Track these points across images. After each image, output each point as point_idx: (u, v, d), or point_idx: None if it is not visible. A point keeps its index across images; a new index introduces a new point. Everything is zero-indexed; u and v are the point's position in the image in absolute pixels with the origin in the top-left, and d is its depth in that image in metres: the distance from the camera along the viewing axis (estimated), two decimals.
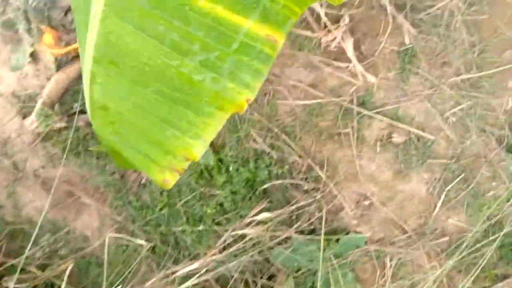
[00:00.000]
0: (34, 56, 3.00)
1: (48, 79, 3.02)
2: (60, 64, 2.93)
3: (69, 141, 2.99)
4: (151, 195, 3.14)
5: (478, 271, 2.60)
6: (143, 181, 3.20)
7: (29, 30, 2.94)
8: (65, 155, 3.01)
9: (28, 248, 2.32)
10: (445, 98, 2.45)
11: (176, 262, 3.20)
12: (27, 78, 3.06)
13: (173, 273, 2.41)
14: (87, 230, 3.31)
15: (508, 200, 2.53)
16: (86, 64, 0.86)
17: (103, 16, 0.76)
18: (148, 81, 0.83)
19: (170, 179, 0.97)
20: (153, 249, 3.26)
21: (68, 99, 3.03)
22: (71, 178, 3.21)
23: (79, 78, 2.98)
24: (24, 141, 3.15)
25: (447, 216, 2.65)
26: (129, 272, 3.10)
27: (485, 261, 2.58)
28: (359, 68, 2.48)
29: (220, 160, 2.86)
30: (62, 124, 3.01)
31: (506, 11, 2.26)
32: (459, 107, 2.43)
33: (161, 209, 3.11)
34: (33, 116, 2.95)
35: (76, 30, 0.98)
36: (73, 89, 3.01)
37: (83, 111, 3.05)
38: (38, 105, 2.91)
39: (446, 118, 2.47)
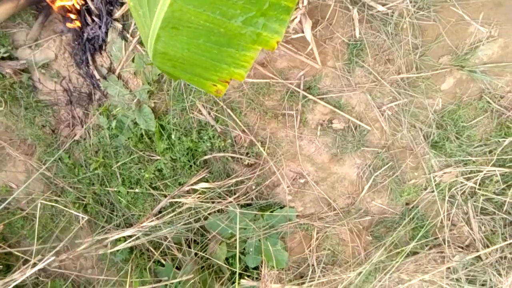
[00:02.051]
0: None
1: None
2: None
3: None
4: (85, 153, 3.77)
5: (392, 247, 3.73)
6: (77, 137, 3.79)
7: None
8: None
9: None
10: (384, 93, 3.26)
11: (109, 221, 3.99)
12: None
13: (105, 239, 3.13)
14: (12, 182, 3.91)
15: (425, 189, 3.56)
16: (153, 29, 1.41)
17: (171, 2, 1.31)
18: (201, 36, 1.40)
19: (221, 89, 1.60)
20: (85, 207, 3.98)
21: None
22: None
23: (7, 20, 3.33)
24: None
25: (372, 198, 3.64)
26: (58, 229, 3.84)
27: (399, 239, 3.69)
28: (315, 50, 3.16)
29: (162, 127, 3.52)
30: None
31: (450, 20, 2.99)
32: (396, 102, 3.26)
33: (95, 169, 3.77)
34: None
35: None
36: None
37: (10, 58, 3.46)
38: None
39: (383, 111, 3.31)
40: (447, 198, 3.37)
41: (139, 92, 3.39)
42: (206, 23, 1.36)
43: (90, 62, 3.44)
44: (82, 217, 3.00)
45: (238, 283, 3.14)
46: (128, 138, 3.53)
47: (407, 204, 3.60)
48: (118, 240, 3.57)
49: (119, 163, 3.59)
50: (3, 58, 3.36)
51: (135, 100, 3.40)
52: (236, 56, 1.45)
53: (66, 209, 3.32)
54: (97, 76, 3.45)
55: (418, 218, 3.59)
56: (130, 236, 3.43)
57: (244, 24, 1.35)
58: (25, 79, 3.45)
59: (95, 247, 3.24)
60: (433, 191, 3.37)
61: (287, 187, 3.58)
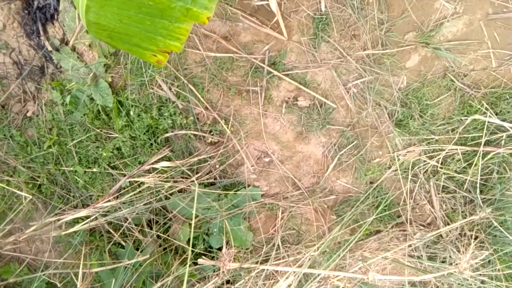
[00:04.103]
0: None
1: None
2: None
3: None
4: (38, 130, 3.58)
5: (356, 226, 3.77)
6: (29, 113, 3.59)
7: None
8: None
9: None
10: (350, 70, 3.22)
11: (66, 202, 3.84)
12: None
13: (59, 220, 3.00)
14: None
15: (389, 168, 3.59)
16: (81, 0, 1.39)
17: None
18: (131, 7, 1.39)
19: (162, 59, 1.61)
20: (39, 187, 3.81)
21: None
22: None
23: None
24: None
25: (337, 177, 3.65)
26: (11, 211, 3.67)
27: (363, 218, 3.73)
28: (281, 21, 3.08)
29: (120, 103, 3.37)
30: None
31: None
32: (361, 80, 3.23)
33: (49, 147, 3.60)
34: None
35: None
36: None
37: None
38: None
39: (348, 89, 3.29)
40: (410, 176, 3.42)
41: (95, 65, 3.23)
42: None
43: (42, 33, 3.24)
44: (26, 197, 2.84)
45: (194, 264, 3.10)
46: (84, 115, 3.37)
47: (371, 183, 3.63)
48: (76, 222, 3.44)
49: (74, 141, 3.44)
50: None
51: (90, 74, 3.24)
52: (170, 28, 1.47)
53: (8, 187, 3.15)
54: (49, 48, 3.26)
55: (382, 196, 3.63)
56: (88, 217, 3.31)
57: None
58: None
59: (46, 228, 3.11)
60: (396, 170, 3.40)
61: (252, 166, 3.53)
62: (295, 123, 3.39)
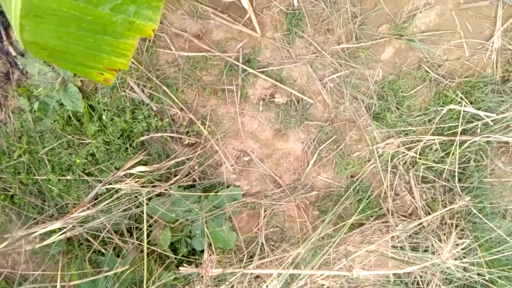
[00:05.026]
0: None
1: None
2: None
3: None
4: (6, 139, 3.44)
5: (338, 220, 3.78)
6: None
7: None
8: None
9: None
10: (325, 65, 3.20)
11: (41, 212, 3.72)
12: None
13: (30, 234, 2.90)
14: None
15: (369, 161, 3.60)
16: (14, 17, 1.27)
17: None
18: (70, 23, 1.28)
19: (110, 77, 1.51)
20: (11, 198, 3.69)
21: None
22: None
23: None
24: None
25: (317, 172, 3.64)
26: None
27: (345, 211, 3.74)
28: (253, 18, 3.03)
29: (91, 107, 3.27)
30: None
31: None
32: (337, 74, 3.21)
33: (19, 156, 3.47)
34: None
35: None
36: None
37: None
38: None
39: (325, 84, 3.27)
40: (389, 168, 3.43)
41: (62, 69, 3.11)
42: (71, 10, 1.24)
43: (4, 37, 3.11)
44: None
45: (177, 267, 3.05)
46: (54, 121, 3.26)
47: (352, 176, 3.63)
48: (53, 232, 3.34)
49: (46, 149, 3.33)
50: None
51: (59, 79, 3.13)
52: (114, 44, 1.37)
53: None
54: (13, 53, 3.13)
55: (363, 190, 3.65)
56: (64, 228, 3.21)
57: (114, 11, 1.27)
58: None
59: (19, 243, 3.01)
60: (376, 163, 3.41)
61: (231, 166, 3.49)
62: (273, 121, 3.36)
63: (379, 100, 3.22)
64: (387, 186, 3.48)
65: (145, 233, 2.74)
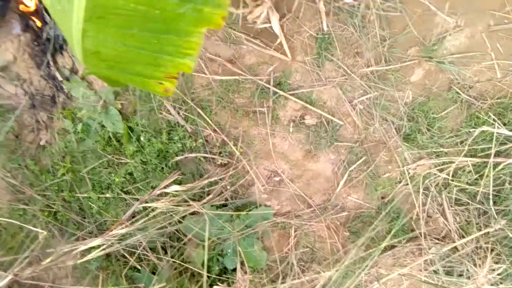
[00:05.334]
0: None
1: None
2: None
3: None
4: (51, 159, 3.68)
5: (369, 241, 3.76)
6: (42, 142, 3.70)
7: None
8: None
9: None
10: (355, 87, 3.27)
11: (81, 229, 3.91)
12: None
13: (72, 250, 3.05)
14: None
15: (400, 182, 3.59)
16: (76, 25, 1.22)
17: None
18: (133, 24, 1.22)
19: (170, 87, 1.42)
20: (54, 214, 3.90)
21: None
22: None
23: None
24: None
25: (348, 193, 3.66)
26: (28, 238, 3.75)
27: (376, 233, 3.72)
28: (284, 42, 3.15)
29: (130, 129, 3.46)
30: None
31: (416, 11, 3.02)
32: (367, 96, 3.27)
33: (63, 174, 3.69)
34: None
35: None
36: None
37: None
38: None
39: (354, 105, 3.33)
40: (421, 190, 3.41)
41: (104, 93, 3.33)
42: (138, 5, 1.19)
43: (51, 63, 3.36)
44: (41, 232, 2.92)
45: (211, 286, 3.12)
46: (96, 142, 3.46)
47: (382, 198, 3.63)
48: (92, 248, 3.50)
49: (87, 168, 3.53)
50: None
51: (100, 102, 3.34)
52: (178, 44, 1.29)
53: (24, 225, 3.24)
54: (60, 78, 3.38)
55: (394, 211, 3.63)
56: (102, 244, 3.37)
57: (182, 1, 1.20)
58: None
59: (61, 259, 3.17)
60: (407, 184, 3.40)
61: (262, 186, 3.57)
62: (303, 142, 3.43)
63: (409, 122, 3.24)
64: (419, 208, 3.45)
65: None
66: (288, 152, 3.48)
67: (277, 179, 3.57)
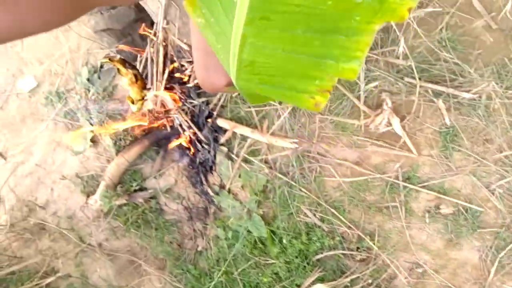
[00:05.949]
0: (94, 141, 4.18)
1: (108, 160, 4.19)
2: (118, 148, 4.08)
3: (129, 216, 4.14)
4: (208, 262, 4.22)
5: None
6: (199, 248, 4.28)
7: (89, 119, 4.12)
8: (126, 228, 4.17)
9: None
10: (490, 172, 3.22)
11: None
12: (88, 161, 4.24)
13: None
14: None
15: None
16: (236, 27, 1.03)
17: None
18: (297, 23, 0.99)
19: (321, 101, 1.32)
20: None
21: (127, 178, 4.18)
22: (132, 248, 4.37)
23: (136, 159, 4.10)
24: (88, 217, 4.35)
25: (502, 281, 3.43)
26: None
27: None
28: (408, 141, 3.33)
29: (273, 232, 3.85)
30: (122, 201, 4.16)
31: None
32: (505, 180, 3.18)
33: (219, 277, 4.18)
34: (96, 196, 4.12)
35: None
36: (131, 170, 4.15)
37: (141, 189, 4.19)
38: (102, 188, 4.06)
39: (493, 191, 3.25)
40: None
41: (248, 202, 3.81)
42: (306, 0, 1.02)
43: (204, 182, 3.99)
44: None
45: None
46: (244, 246, 3.90)
47: None
48: None
49: (239, 270, 3.95)
50: (135, 191, 4.08)
51: (245, 210, 3.81)
52: (346, 45, 1.03)
53: None
54: (211, 193, 3.97)
55: None
56: None
57: None
58: (154, 204, 4.11)
59: None
60: None
61: (405, 278, 3.56)
62: (442, 231, 3.41)
63: None
64: None
65: None
66: (427, 242, 3.47)
67: (420, 270, 3.54)
